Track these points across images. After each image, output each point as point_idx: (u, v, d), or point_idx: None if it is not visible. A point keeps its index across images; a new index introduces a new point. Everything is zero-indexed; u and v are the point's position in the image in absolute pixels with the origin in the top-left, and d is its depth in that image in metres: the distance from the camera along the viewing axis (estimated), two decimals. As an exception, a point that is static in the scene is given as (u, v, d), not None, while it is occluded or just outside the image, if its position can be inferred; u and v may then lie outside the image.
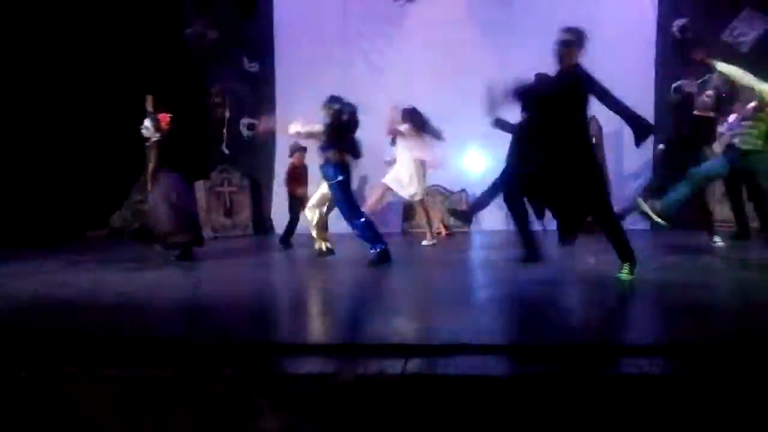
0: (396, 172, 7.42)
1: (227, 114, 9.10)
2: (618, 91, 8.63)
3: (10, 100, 7.68)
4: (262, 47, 9.27)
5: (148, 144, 6.45)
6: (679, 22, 8.74)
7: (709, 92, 6.66)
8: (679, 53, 8.83)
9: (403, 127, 7.29)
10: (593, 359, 2.82)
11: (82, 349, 3.18)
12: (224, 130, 8.97)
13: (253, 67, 9.21)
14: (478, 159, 9.09)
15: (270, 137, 8.95)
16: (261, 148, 9.03)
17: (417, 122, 7.36)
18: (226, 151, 8.67)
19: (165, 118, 6.35)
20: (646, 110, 8.72)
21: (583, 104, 4.65)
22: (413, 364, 2.83)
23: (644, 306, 4.23)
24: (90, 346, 3.26)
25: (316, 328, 3.82)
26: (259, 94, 9.28)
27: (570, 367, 2.73)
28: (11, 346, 3.25)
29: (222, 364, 2.78)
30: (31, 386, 2.71)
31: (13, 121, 7.58)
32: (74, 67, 8.46)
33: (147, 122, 6.29)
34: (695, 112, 6.80)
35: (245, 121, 9.17)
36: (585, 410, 2.51)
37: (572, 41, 4.63)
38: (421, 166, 7.43)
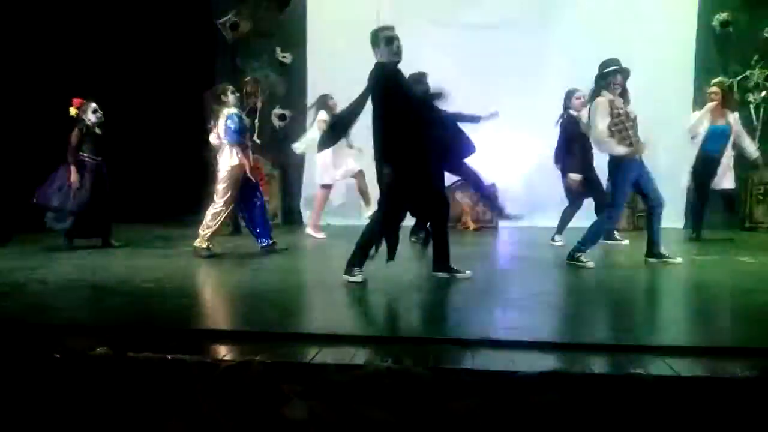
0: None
1: (259, 104, 9.14)
2: (657, 85, 8.54)
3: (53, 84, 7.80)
4: (295, 38, 9.27)
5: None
6: (720, 16, 8.53)
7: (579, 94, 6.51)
8: (719, 48, 8.64)
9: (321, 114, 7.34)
10: (620, 359, 2.77)
11: (113, 332, 3.23)
12: (256, 120, 9.01)
13: (286, 57, 9.23)
14: (507, 154, 9.00)
15: (300, 128, 8.97)
16: (292, 139, 9.04)
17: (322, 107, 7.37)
18: (258, 141, 8.68)
19: (77, 102, 6.47)
20: (685, 105, 8.58)
21: (382, 105, 4.41)
22: (441, 358, 2.82)
23: (677, 306, 4.16)
24: (121, 329, 3.31)
25: (347, 318, 3.83)
26: (291, 84, 9.30)
27: (596, 366, 2.69)
28: (45, 328, 3.32)
29: (251, 352, 2.79)
30: (64, 367, 2.75)
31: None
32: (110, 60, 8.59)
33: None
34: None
35: (277, 111, 9.19)
36: (610, 410, 2.47)
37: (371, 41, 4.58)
38: (336, 154, 7.27)
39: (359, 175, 7.43)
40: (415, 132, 4.41)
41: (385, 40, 4.50)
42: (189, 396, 2.67)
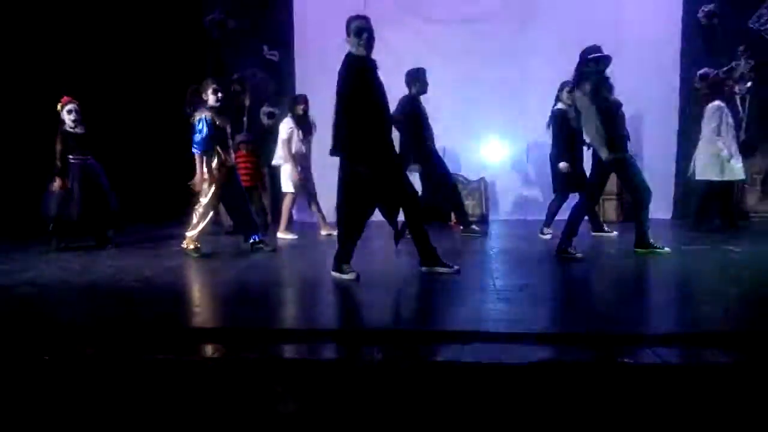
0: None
1: (247, 102, 9.10)
2: (643, 77, 8.54)
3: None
4: (282, 35, 9.24)
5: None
6: (705, 8, 8.57)
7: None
8: (705, 39, 8.68)
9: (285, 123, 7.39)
10: (613, 347, 2.79)
11: (102, 333, 3.22)
12: (244, 119, 8.98)
13: (273, 55, 9.20)
14: (496, 148, 9.04)
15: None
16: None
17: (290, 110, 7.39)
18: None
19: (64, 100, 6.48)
20: (672, 96, 8.64)
21: (344, 96, 4.40)
22: (431, 351, 2.83)
23: (666, 295, 4.19)
24: (110, 330, 3.30)
25: (335, 314, 3.83)
26: (279, 82, 9.27)
27: (588, 355, 2.71)
28: (34, 330, 3.31)
29: (241, 350, 2.79)
30: (53, 369, 2.74)
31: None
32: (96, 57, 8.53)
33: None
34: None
35: (265, 109, 9.16)
36: (600, 399, 2.48)
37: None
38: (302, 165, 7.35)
39: (313, 195, 7.47)
40: (376, 125, 4.33)
41: (354, 30, 4.44)
42: (179, 395, 2.67)
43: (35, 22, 8.15)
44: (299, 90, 9.01)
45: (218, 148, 5.86)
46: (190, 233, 5.82)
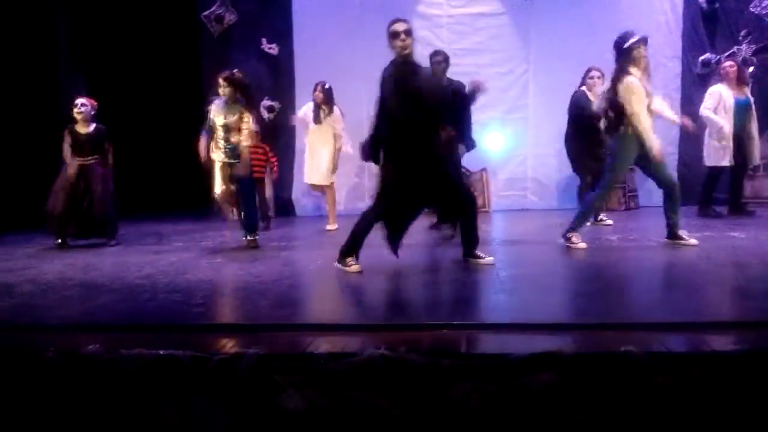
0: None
1: (247, 96, 9.05)
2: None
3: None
4: (281, 29, 9.18)
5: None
6: (707, -7, 8.52)
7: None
8: (706, 24, 8.62)
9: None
10: (617, 336, 2.78)
11: (105, 330, 3.22)
12: (245, 112, 8.94)
13: (272, 48, 9.15)
14: (497, 139, 9.00)
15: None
16: (282, 130, 9.01)
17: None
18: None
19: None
20: (673, 82, 8.58)
21: (388, 98, 4.44)
22: (434, 343, 2.82)
23: (669, 283, 4.17)
24: (113, 327, 3.30)
25: (339, 307, 3.83)
26: (279, 75, 9.22)
27: (592, 344, 2.70)
28: (37, 327, 3.31)
29: (245, 344, 2.79)
30: (56, 365, 2.74)
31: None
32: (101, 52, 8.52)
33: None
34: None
35: (265, 103, 9.12)
36: (604, 389, 2.47)
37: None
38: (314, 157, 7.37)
39: (328, 188, 7.40)
40: (424, 125, 4.34)
41: (390, 33, 4.45)
42: (183, 391, 2.66)
43: (35, 18, 8.13)
44: (298, 83, 9.00)
45: (220, 140, 5.86)
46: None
